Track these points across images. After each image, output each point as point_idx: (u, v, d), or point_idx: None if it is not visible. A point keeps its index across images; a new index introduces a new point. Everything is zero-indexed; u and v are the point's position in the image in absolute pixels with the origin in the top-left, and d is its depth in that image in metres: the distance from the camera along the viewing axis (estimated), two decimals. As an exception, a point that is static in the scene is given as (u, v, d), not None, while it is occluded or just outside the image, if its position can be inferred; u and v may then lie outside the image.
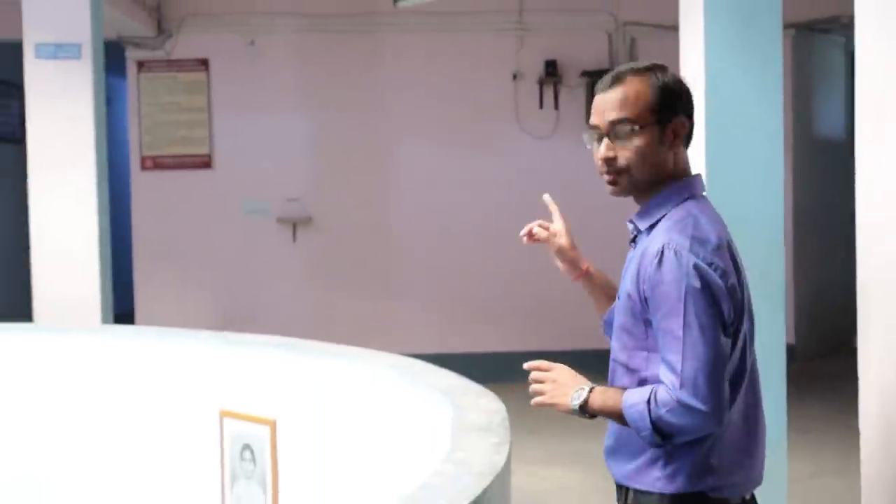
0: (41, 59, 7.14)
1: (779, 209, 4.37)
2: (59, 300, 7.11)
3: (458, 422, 3.22)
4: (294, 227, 9.61)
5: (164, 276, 9.72)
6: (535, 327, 9.17)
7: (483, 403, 3.48)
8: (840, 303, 9.33)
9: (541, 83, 9.38)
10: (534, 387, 2.64)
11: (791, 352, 4.44)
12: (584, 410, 2.54)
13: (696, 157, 3.89)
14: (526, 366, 2.68)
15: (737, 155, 4.25)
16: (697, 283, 2.40)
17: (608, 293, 2.92)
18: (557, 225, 2.98)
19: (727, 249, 2.51)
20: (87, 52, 7.15)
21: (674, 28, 4.57)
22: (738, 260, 2.57)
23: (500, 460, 2.71)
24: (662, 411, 2.41)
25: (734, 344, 2.50)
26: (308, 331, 8.84)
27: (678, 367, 2.41)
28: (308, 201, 9.64)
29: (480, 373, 8.15)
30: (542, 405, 2.63)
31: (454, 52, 9.45)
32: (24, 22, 7.15)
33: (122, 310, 9.22)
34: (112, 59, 9.42)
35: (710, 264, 2.43)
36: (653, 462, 2.53)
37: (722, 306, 2.43)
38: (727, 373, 2.46)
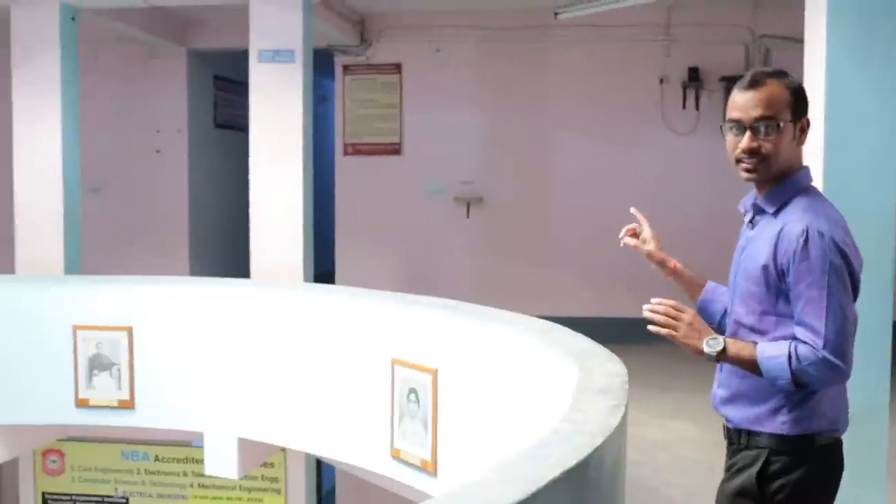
0: (262, 63, 7.64)
1: (891, 198, 4.27)
2: (270, 262, 7.58)
3: (583, 383, 3.22)
4: (468, 205, 9.98)
5: (360, 243, 10.19)
6: (669, 295, 9.23)
7: (608, 367, 3.48)
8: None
9: (684, 87, 9.55)
10: (668, 321, 2.73)
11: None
12: (718, 356, 2.67)
13: (816, 155, 3.97)
14: (655, 301, 2.79)
15: (853, 154, 4.19)
16: (838, 260, 2.56)
17: (697, 283, 3.12)
18: (646, 232, 3.19)
19: (850, 234, 2.66)
20: (300, 56, 7.61)
21: (803, 40, 4.55)
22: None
23: (614, 422, 2.69)
24: (804, 364, 2.55)
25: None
26: (477, 293, 9.32)
27: (821, 330, 2.55)
28: (480, 183, 10.01)
29: (623, 334, 8.66)
30: (672, 339, 2.73)
31: (608, 59, 9.67)
32: (251, 32, 7.64)
33: (324, 270, 9.75)
34: (324, 63, 9.98)
35: (844, 243, 2.59)
36: (778, 409, 2.66)
37: (853, 279, 2.62)
38: None
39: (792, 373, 2.56)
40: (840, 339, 2.56)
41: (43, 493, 8.66)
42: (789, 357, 2.57)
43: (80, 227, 8.30)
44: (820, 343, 2.55)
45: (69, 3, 8.06)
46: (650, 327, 2.77)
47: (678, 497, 4.81)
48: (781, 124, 2.67)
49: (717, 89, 9.56)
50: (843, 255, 2.58)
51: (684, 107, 9.67)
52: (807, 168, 2.79)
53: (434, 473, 5.24)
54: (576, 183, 9.96)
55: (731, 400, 2.79)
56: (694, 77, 9.59)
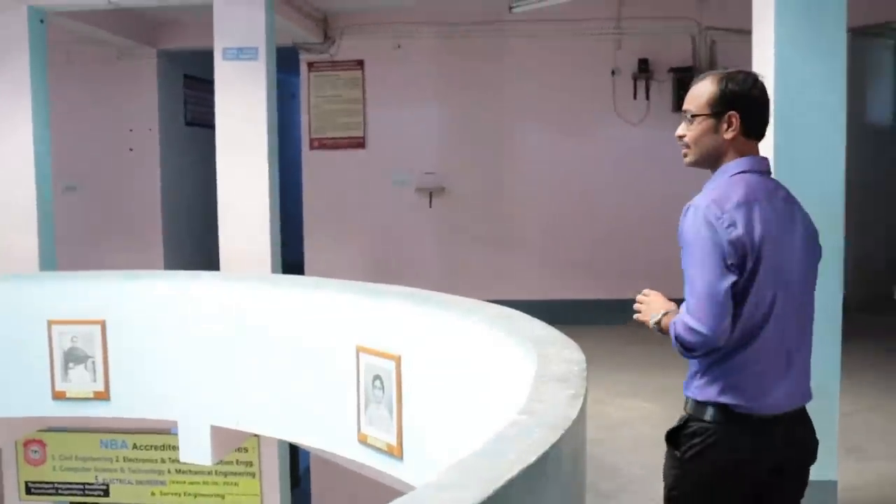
0: (227, 61, 7.48)
1: (839, 184, 4.24)
2: (239, 254, 7.46)
3: (541, 371, 3.04)
4: (430, 195, 9.87)
5: (327, 233, 10.08)
6: (623, 278, 9.09)
7: (566, 354, 3.30)
8: (885, 265, 9.52)
9: (634, 78, 9.44)
10: (635, 305, 2.90)
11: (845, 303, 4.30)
12: (658, 326, 2.79)
13: (766, 142, 3.52)
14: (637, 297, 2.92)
15: (802, 142, 4.13)
16: (705, 232, 2.59)
17: None
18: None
19: (748, 209, 2.63)
20: (263, 54, 7.44)
21: (747, 32, 4.55)
22: (765, 220, 2.65)
23: (573, 413, 2.51)
24: (679, 329, 2.63)
25: (750, 283, 2.62)
26: (442, 279, 9.29)
27: (689, 298, 2.63)
28: (442, 174, 9.89)
29: (579, 316, 8.59)
30: (637, 319, 2.90)
31: (563, 52, 9.54)
32: (215, 31, 7.49)
33: (294, 260, 9.66)
34: (289, 61, 9.90)
35: (718, 219, 2.58)
36: (693, 376, 2.74)
37: (724, 252, 2.58)
38: (736, 307, 2.61)
39: (675, 337, 2.66)
40: (700, 304, 2.59)
41: (26, 482, 8.46)
42: (674, 325, 2.66)
43: (53, 224, 8.10)
44: (684, 309, 2.65)
45: (37, 5, 7.81)
46: (635, 316, 2.93)
47: (639, 473, 4.69)
48: (699, 118, 2.76)
49: (666, 80, 9.51)
50: (712, 228, 2.59)
51: (635, 97, 9.57)
52: (745, 158, 2.77)
53: (400, 457, 5.09)
54: (534, 171, 9.85)
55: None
56: (644, 68, 9.49)
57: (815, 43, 4.23)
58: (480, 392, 4.24)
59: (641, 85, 9.55)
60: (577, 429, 2.54)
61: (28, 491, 8.45)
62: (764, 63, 4.24)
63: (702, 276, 2.61)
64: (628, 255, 9.45)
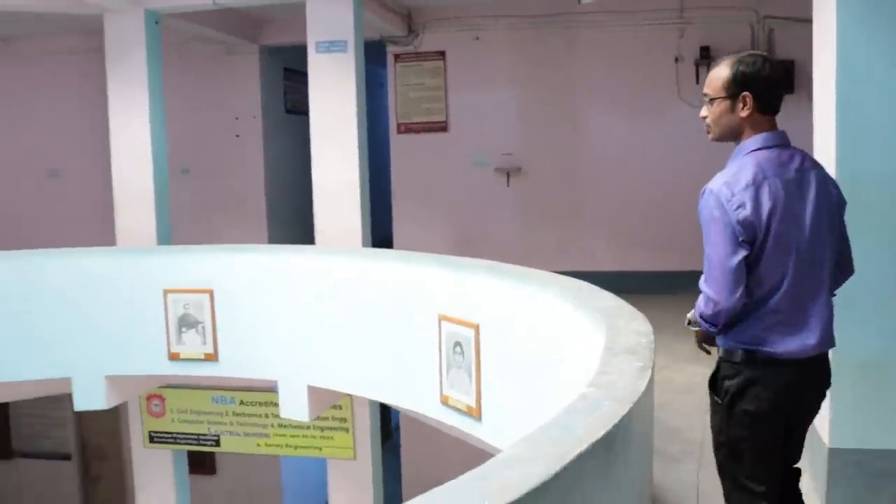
0: (319, 53, 7.42)
1: None
2: (333, 230, 7.40)
3: (610, 343, 2.93)
4: (508, 174, 9.67)
5: (414, 211, 9.97)
6: (684, 251, 8.88)
7: (634, 326, 3.20)
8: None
9: (697, 64, 9.09)
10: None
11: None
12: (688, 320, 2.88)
13: (829, 125, 3.69)
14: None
15: (865, 124, 3.73)
16: (717, 213, 2.63)
17: None
18: None
19: (756, 189, 2.63)
20: (351, 46, 7.37)
21: (804, 20, 4.36)
22: (774, 195, 2.64)
23: (642, 385, 2.39)
24: (700, 304, 2.72)
25: (761, 252, 2.64)
26: (517, 252, 9.15)
27: (705, 272, 2.70)
28: (519, 155, 9.68)
29: (644, 286, 8.38)
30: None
31: (629, 40, 9.26)
32: (308, 26, 7.45)
33: (384, 235, 9.67)
34: (378, 53, 9.84)
35: (728, 201, 2.62)
36: (721, 329, 2.75)
37: (735, 230, 2.61)
38: (751, 273, 2.64)
39: (699, 315, 2.75)
40: (715, 277, 2.65)
41: (149, 432, 8.57)
42: (697, 305, 2.76)
43: (168, 203, 8.15)
44: (702, 279, 2.72)
45: (152, 7, 7.83)
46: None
47: (698, 437, 4.47)
48: (717, 100, 2.77)
49: (727, 66, 9.09)
50: (723, 210, 2.63)
51: (697, 82, 9.13)
52: (760, 136, 2.75)
53: (479, 418, 5.01)
54: (603, 152, 9.58)
55: None
56: (705, 55, 9.09)
57: (878, 27, 3.83)
58: (553, 360, 4.11)
59: (703, 71, 9.06)
60: (645, 401, 2.43)
61: (151, 440, 8.57)
62: (825, 48, 3.95)
63: (716, 252, 2.66)
64: (690, 231, 9.06)
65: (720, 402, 2.77)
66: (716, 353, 2.87)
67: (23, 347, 6.91)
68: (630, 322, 3.26)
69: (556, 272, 4.87)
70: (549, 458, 1.77)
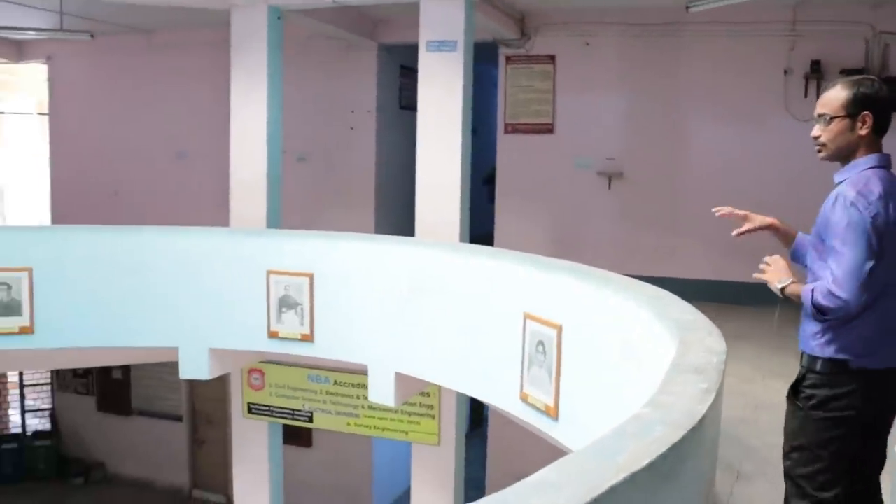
0: (430, 52, 7.29)
1: None
2: (432, 223, 7.27)
3: (678, 359, 2.66)
4: (609, 178, 9.38)
5: (516, 208, 9.74)
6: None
7: (708, 343, 2.92)
8: None
9: (806, 78, 8.53)
10: (760, 266, 3.03)
11: None
12: (782, 291, 2.90)
13: None
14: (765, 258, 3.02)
15: None
16: (855, 219, 2.65)
17: (790, 234, 3.25)
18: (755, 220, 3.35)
19: (885, 201, 2.67)
20: (461, 46, 7.22)
21: None
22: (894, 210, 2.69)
23: (702, 410, 2.09)
24: (818, 296, 2.69)
25: (878, 263, 2.65)
26: (615, 255, 8.86)
27: (836, 270, 2.67)
28: (621, 160, 9.36)
29: (741, 297, 7.96)
30: (758, 279, 3.02)
31: (737, 51, 8.78)
32: (420, 25, 7.32)
33: (485, 231, 9.52)
34: (490, 55, 9.67)
35: (866, 208, 2.65)
36: (813, 336, 2.77)
37: (871, 237, 2.64)
38: (876, 283, 2.65)
39: (812, 302, 2.72)
40: (845, 277, 2.64)
41: (248, 403, 8.61)
42: (812, 291, 2.73)
43: (280, 189, 8.14)
44: (830, 279, 2.68)
45: (275, 4, 7.82)
46: (755, 275, 3.04)
47: (775, 459, 4.09)
48: (836, 119, 2.78)
49: (837, 82, 8.50)
50: (861, 216, 2.64)
51: (806, 96, 8.63)
52: (874, 155, 2.80)
53: (556, 418, 4.79)
54: (705, 161, 9.14)
55: (801, 330, 2.89)
56: (816, 69, 8.55)
57: None
58: (630, 369, 3.88)
59: (813, 85, 8.60)
60: (705, 427, 2.12)
61: (249, 410, 8.60)
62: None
63: (852, 255, 2.65)
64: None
65: (801, 407, 2.76)
66: (797, 362, 2.84)
67: (137, 316, 7.00)
68: (704, 338, 2.97)
69: (651, 278, 4.66)
70: (580, 486, 1.54)
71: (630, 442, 1.84)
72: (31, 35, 11.07)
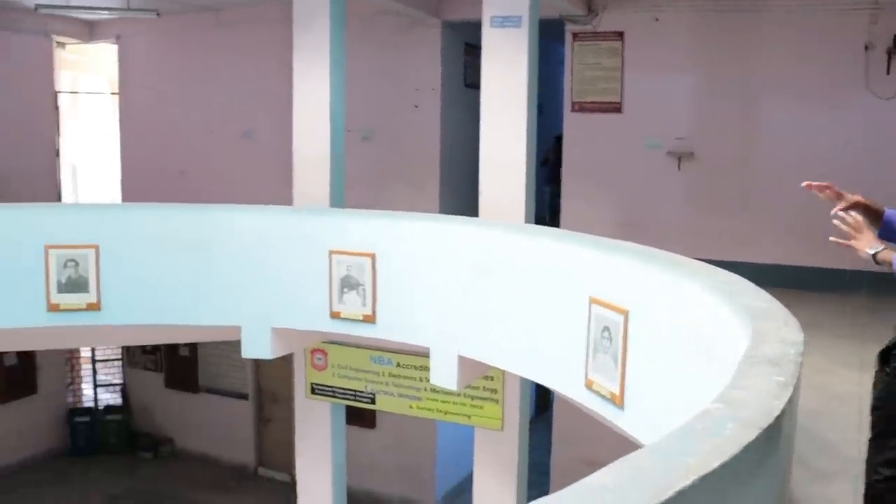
0: (494, 28, 7.10)
1: None
2: (496, 203, 7.13)
3: (752, 350, 2.46)
4: (679, 159, 9.12)
5: (583, 188, 9.57)
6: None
7: (783, 333, 2.69)
8: None
9: (889, 53, 8.13)
10: (851, 232, 3.01)
11: None
12: (874, 257, 2.90)
13: None
14: (840, 213, 3.05)
15: None
16: None
17: (878, 211, 3.21)
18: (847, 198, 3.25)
19: None
20: (525, 22, 7.01)
21: None
22: None
23: (779, 406, 1.93)
24: None
25: None
26: (684, 238, 8.61)
27: None
28: (691, 140, 9.08)
29: (820, 282, 7.68)
30: (846, 245, 3.00)
31: (813, 26, 8.42)
32: (484, 2, 7.13)
33: (539, 215, 9.28)
34: (556, 32, 9.47)
35: None
36: None
37: None
38: None
39: None
40: None
41: (311, 384, 8.63)
42: None
43: (343, 167, 8.08)
44: None
45: (338, -21, 7.74)
46: (832, 238, 2.99)
47: (853, 455, 3.89)
48: None
49: (924, 56, 8.07)
50: None
51: (888, 72, 8.26)
52: None
53: (621, 406, 4.62)
54: (780, 141, 8.80)
55: None
56: (899, 44, 8.14)
57: None
58: (697, 357, 3.68)
59: (895, 61, 8.24)
60: (782, 425, 1.96)
61: (312, 391, 8.62)
62: None
63: None
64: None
65: (887, 371, 2.72)
66: (872, 352, 2.79)
67: (201, 294, 7.04)
68: (780, 327, 2.77)
69: (721, 262, 4.45)
70: (643, 491, 1.43)
71: (698, 441, 1.70)
72: (99, 14, 11.20)
